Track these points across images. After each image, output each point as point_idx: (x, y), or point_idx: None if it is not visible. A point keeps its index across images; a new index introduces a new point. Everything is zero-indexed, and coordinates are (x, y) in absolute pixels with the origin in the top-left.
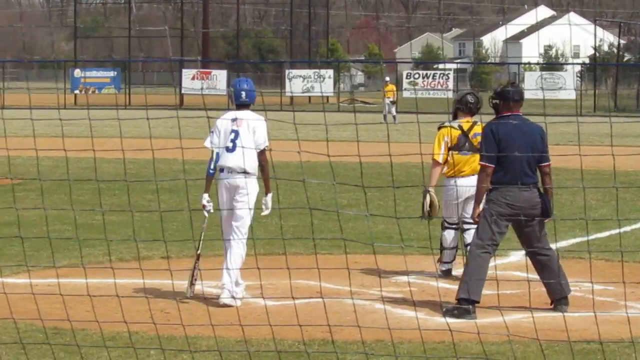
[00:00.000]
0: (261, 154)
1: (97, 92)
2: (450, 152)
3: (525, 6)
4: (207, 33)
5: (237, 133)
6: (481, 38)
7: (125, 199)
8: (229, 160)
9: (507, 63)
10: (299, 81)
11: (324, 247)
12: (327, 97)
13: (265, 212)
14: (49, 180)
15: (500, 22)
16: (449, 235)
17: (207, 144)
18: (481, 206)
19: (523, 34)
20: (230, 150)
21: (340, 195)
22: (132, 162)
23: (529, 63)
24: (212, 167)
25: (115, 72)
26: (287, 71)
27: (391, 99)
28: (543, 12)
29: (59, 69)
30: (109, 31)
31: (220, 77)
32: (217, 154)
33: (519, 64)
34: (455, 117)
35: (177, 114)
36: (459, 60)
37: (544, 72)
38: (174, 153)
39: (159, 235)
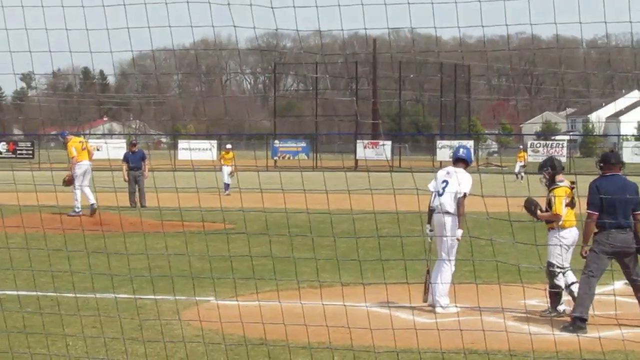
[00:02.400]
0: (460, 198)
1: (291, 158)
2: (567, 207)
3: (623, 91)
4: (376, 114)
5: (447, 182)
6: (588, 116)
7: (315, 240)
8: (437, 201)
9: (608, 135)
10: (447, 150)
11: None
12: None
13: (458, 238)
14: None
15: (603, 104)
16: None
17: (429, 187)
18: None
19: (621, 113)
20: (440, 194)
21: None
22: (320, 213)
23: (625, 135)
24: (431, 204)
25: (305, 143)
26: (437, 142)
27: (522, 163)
28: (636, 94)
29: (263, 141)
30: (300, 111)
31: (385, 147)
32: (434, 194)
33: (618, 135)
34: (553, 180)
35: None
36: (571, 133)
37: (637, 142)
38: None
39: (337, 268)
